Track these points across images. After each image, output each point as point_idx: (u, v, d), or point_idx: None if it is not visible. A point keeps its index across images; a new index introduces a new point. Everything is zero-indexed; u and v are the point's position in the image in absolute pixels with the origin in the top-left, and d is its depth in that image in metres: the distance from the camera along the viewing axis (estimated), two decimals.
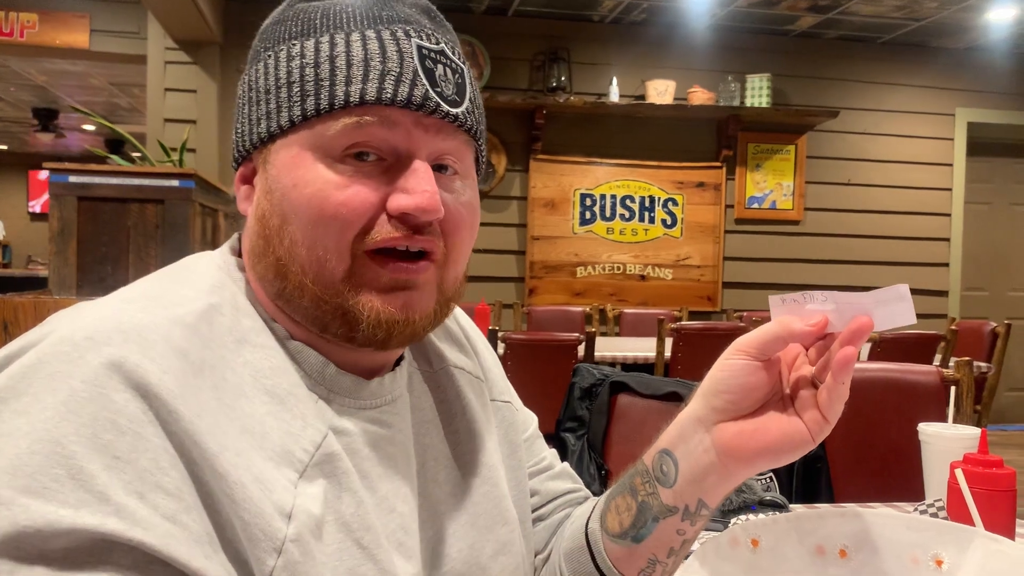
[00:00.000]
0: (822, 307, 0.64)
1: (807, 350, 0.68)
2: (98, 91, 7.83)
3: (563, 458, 0.97)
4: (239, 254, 0.70)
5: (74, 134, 9.98)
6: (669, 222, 5.72)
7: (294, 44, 0.64)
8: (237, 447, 0.55)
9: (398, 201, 0.62)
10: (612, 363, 3.68)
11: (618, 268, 5.67)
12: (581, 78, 5.55)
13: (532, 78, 5.55)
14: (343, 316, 0.63)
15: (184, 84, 4.99)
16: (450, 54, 0.66)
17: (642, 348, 3.87)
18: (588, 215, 5.62)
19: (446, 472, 0.73)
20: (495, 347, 3.24)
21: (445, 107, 0.64)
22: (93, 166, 3.01)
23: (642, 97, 5.52)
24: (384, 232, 0.62)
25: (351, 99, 0.61)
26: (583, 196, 5.61)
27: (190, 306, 0.59)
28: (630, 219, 5.67)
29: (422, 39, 0.64)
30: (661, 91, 5.43)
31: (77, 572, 0.47)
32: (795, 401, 0.66)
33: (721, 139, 5.73)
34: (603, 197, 5.64)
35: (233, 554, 0.53)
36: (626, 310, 5.27)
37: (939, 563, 0.72)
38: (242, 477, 0.54)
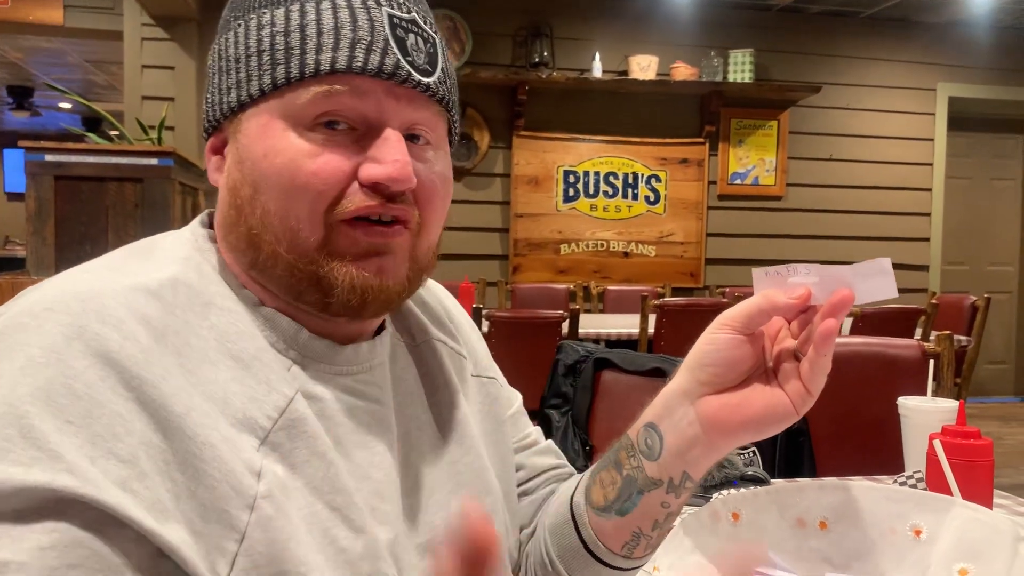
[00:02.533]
0: (805, 280, 0.65)
1: (789, 324, 0.68)
2: (74, 68, 7.71)
3: (548, 435, 0.98)
4: (211, 227, 0.70)
5: (50, 112, 9.83)
6: (652, 199, 5.72)
7: (264, 12, 0.64)
8: (204, 408, 0.55)
9: (369, 171, 0.62)
10: (596, 340, 3.69)
11: (602, 245, 5.67)
12: (564, 54, 5.52)
13: (514, 54, 5.51)
14: (317, 283, 0.63)
15: (161, 61, 4.92)
16: (421, 23, 0.66)
17: (626, 324, 3.88)
18: (571, 192, 5.62)
19: (429, 442, 0.73)
20: (479, 325, 3.24)
21: (416, 76, 0.63)
22: (70, 144, 2.97)
23: (625, 73, 5.50)
24: (357, 201, 0.62)
25: (321, 67, 0.61)
26: (566, 173, 5.60)
27: (154, 274, 0.60)
28: (613, 196, 5.67)
29: (393, 8, 0.64)
30: (644, 67, 5.41)
31: (33, 525, 0.46)
32: (778, 374, 0.66)
33: (704, 115, 5.72)
34: (586, 174, 5.63)
35: (205, 513, 0.53)
36: (610, 287, 5.28)
37: (917, 533, 0.73)
38: (210, 437, 0.54)
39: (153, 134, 3.53)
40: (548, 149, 5.56)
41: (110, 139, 3.66)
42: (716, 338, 0.67)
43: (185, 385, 0.55)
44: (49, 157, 2.88)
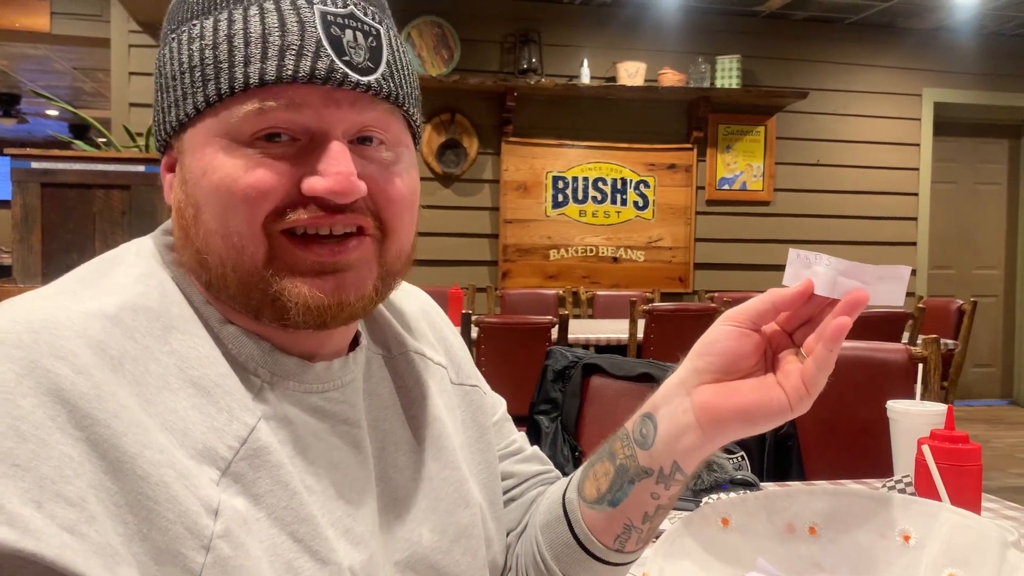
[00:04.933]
0: (826, 271, 0.65)
1: (792, 334, 0.68)
2: (61, 75, 7.67)
3: (537, 440, 0.98)
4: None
5: (37, 120, 9.78)
6: (641, 204, 5.73)
7: (194, 25, 0.61)
8: (159, 444, 0.53)
9: (310, 184, 0.59)
10: (585, 345, 3.69)
11: (591, 250, 5.67)
12: (552, 60, 5.53)
13: (503, 60, 5.51)
14: (271, 303, 0.61)
15: (149, 68, 4.83)
16: (361, 15, 0.62)
17: (615, 330, 3.88)
18: (560, 198, 5.62)
19: (406, 457, 0.73)
20: (468, 331, 3.24)
21: (355, 77, 0.60)
22: (56, 152, 2.95)
23: (613, 79, 5.51)
24: (299, 214, 0.60)
25: (250, 81, 0.59)
26: (555, 179, 5.60)
27: (112, 297, 0.58)
28: (602, 201, 5.68)
29: (326, 4, 0.60)
30: (632, 73, 5.43)
31: None
32: (778, 373, 0.67)
33: (692, 121, 5.74)
34: (575, 180, 5.63)
35: (159, 556, 0.51)
36: (599, 292, 5.29)
37: (906, 538, 0.73)
38: (164, 476, 0.52)
39: (141, 141, 3.52)
40: (537, 155, 5.57)
41: (97, 146, 3.64)
42: (719, 329, 0.68)
43: (142, 418, 0.53)
44: (35, 164, 2.86)
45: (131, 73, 4.90)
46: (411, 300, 0.83)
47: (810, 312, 0.68)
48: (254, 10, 0.60)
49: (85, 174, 2.91)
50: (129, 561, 0.50)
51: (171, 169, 0.66)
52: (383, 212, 0.63)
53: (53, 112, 9.58)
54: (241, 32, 0.59)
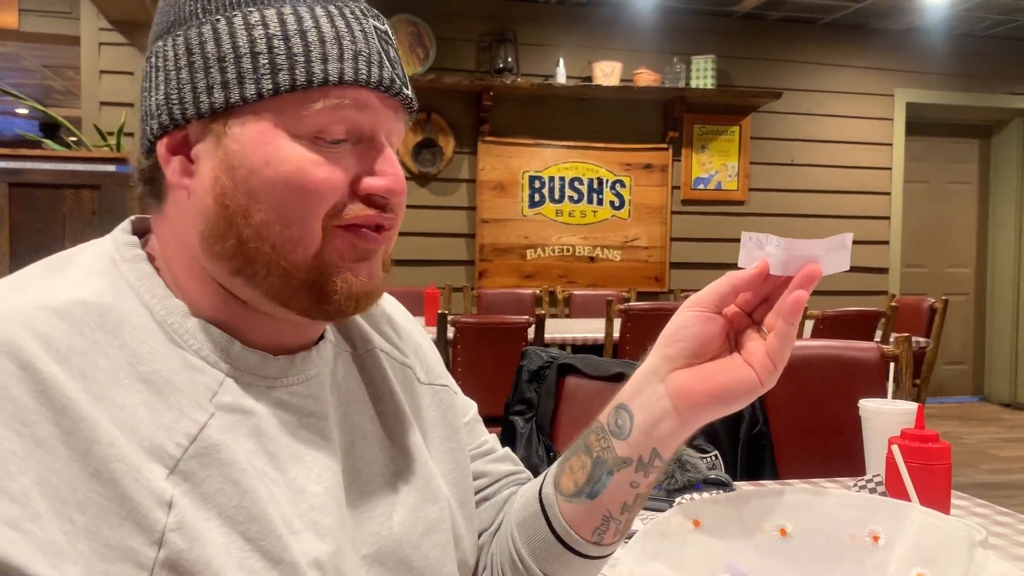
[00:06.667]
0: (775, 251, 0.67)
1: (751, 314, 0.70)
2: (31, 73, 7.57)
3: (512, 441, 0.98)
4: (139, 234, 0.68)
5: (6, 118, 9.64)
6: (617, 204, 5.74)
7: (251, 11, 0.62)
8: (108, 438, 0.53)
9: (371, 183, 0.64)
10: (562, 345, 3.69)
11: (567, 250, 5.68)
12: (528, 59, 5.53)
13: (479, 59, 5.51)
14: (312, 290, 0.63)
15: (120, 66, 4.84)
16: (392, 35, 0.68)
17: (591, 329, 3.89)
18: (537, 197, 5.62)
19: (375, 452, 0.73)
20: (444, 331, 3.23)
21: (405, 90, 0.66)
22: (25, 151, 2.91)
23: (589, 79, 5.52)
24: (357, 210, 0.64)
25: (330, 78, 0.61)
26: (532, 178, 5.60)
27: (62, 293, 0.58)
28: (579, 201, 5.69)
29: (374, 20, 0.66)
30: (607, 72, 5.44)
31: None
32: (743, 352, 0.68)
33: (667, 120, 5.76)
34: (552, 179, 5.64)
35: (107, 553, 0.51)
36: (576, 292, 5.29)
37: (875, 538, 0.74)
38: (114, 472, 0.52)
39: (112, 140, 3.48)
40: (513, 154, 5.56)
41: (68, 145, 3.60)
42: (685, 315, 0.69)
43: (90, 413, 0.53)
44: (3, 164, 2.82)
45: (102, 71, 4.83)
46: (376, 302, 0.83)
47: (767, 291, 0.69)
48: (321, 11, 0.63)
49: (55, 174, 2.87)
50: (75, 558, 0.49)
51: (175, 151, 0.64)
52: (396, 210, 0.67)
53: (23, 111, 9.45)
54: (314, 29, 0.62)
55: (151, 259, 0.66)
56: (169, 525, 0.53)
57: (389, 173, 0.64)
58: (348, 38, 0.62)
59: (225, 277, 0.64)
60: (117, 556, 0.51)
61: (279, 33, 0.61)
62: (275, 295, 0.63)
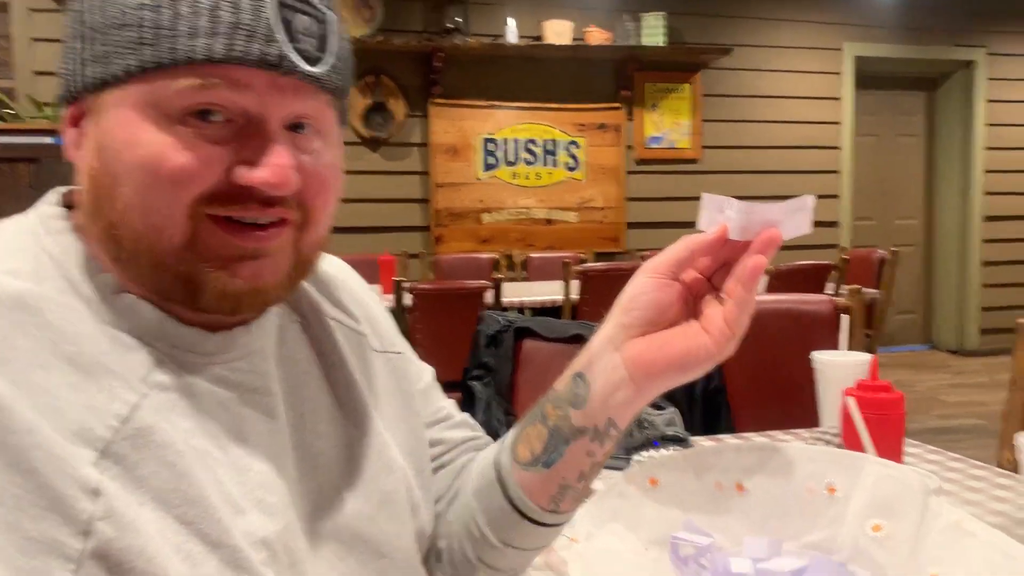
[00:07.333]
0: (735, 215, 0.66)
1: (711, 279, 0.68)
2: None
3: (471, 407, 0.96)
4: (67, 206, 0.64)
5: None
6: (572, 165, 5.72)
7: None
8: (26, 426, 0.50)
9: (245, 175, 0.57)
10: (520, 308, 3.68)
11: (524, 213, 5.66)
12: (477, 19, 5.44)
13: (427, 20, 5.40)
14: (185, 284, 0.59)
15: (54, 33, 4.65)
16: (313, 1, 0.60)
17: (549, 292, 3.89)
18: (492, 160, 5.58)
19: (326, 424, 0.71)
20: (401, 298, 3.20)
21: (304, 67, 0.58)
22: None
23: (539, 38, 5.45)
24: (230, 207, 0.58)
25: (195, 55, 0.55)
26: (486, 141, 5.55)
27: None
28: (533, 163, 5.65)
29: None
30: (559, 32, 5.38)
31: None
32: (701, 319, 0.66)
33: (619, 80, 5.73)
34: (506, 142, 5.59)
35: (28, 547, 0.48)
36: (533, 255, 5.28)
37: (832, 490, 0.74)
38: (33, 462, 0.49)
39: (49, 111, 3.36)
40: (466, 117, 5.50)
41: (2, 118, 3.46)
42: (641, 282, 0.67)
43: (6, 400, 0.50)
44: None
45: (34, 39, 4.65)
46: (327, 269, 0.80)
47: (727, 256, 0.67)
48: None
49: None
50: None
51: (74, 123, 0.61)
52: (309, 202, 0.61)
53: None
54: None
55: (83, 232, 0.62)
56: (96, 514, 0.51)
57: (270, 164, 0.57)
58: (228, 8, 0.55)
59: (113, 263, 0.60)
60: (40, 549, 0.48)
61: (151, 3, 0.55)
62: (151, 286, 0.59)
